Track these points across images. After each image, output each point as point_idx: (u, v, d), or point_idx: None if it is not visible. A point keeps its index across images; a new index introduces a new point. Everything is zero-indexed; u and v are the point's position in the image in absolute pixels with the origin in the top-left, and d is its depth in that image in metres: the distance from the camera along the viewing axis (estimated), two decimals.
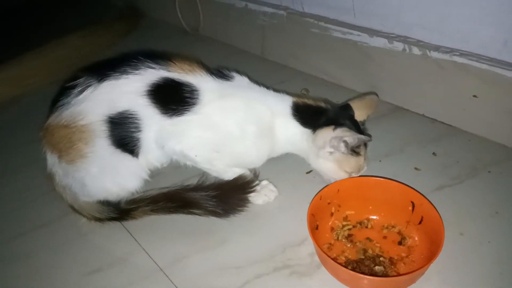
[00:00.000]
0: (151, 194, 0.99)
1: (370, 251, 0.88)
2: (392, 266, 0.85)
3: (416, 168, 1.09)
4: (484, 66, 1.09)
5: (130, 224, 0.99)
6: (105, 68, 0.95)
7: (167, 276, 0.87)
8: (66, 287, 0.88)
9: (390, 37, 1.27)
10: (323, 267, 0.85)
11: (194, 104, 0.96)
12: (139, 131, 0.95)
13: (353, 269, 0.83)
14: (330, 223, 0.94)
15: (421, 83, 1.25)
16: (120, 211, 0.98)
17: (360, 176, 1.00)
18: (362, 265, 0.84)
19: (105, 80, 0.93)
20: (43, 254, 0.95)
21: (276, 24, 1.59)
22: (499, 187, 1.02)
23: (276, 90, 1.07)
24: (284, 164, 1.13)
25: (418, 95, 1.28)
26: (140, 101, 0.93)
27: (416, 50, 1.22)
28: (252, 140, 1.00)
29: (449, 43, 1.17)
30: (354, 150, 0.97)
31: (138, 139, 0.95)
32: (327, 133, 0.96)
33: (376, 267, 0.84)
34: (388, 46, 1.27)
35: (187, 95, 0.95)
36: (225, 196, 0.99)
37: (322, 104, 1.04)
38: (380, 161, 1.13)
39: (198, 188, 1.01)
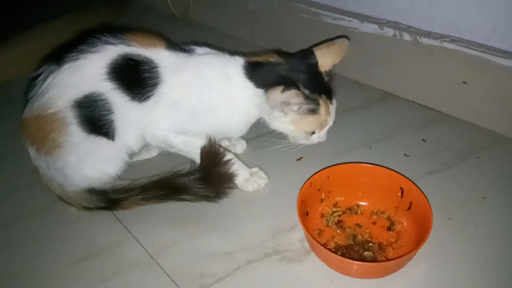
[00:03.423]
0: (142, 183, 0.98)
1: (359, 237, 0.88)
2: (381, 251, 0.86)
3: (405, 154, 1.10)
4: (473, 52, 1.10)
5: (119, 211, 0.99)
6: (63, 51, 0.91)
7: (158, 263, 0.87)
8: (55, 275, 0.87)
9: (380, 22, 1.26)
10: (313, 253, 0.86)
11: (156, 84, 0.93)
12: (111, 113, 0.92)
13: (343, 255, 0.84)
14: (320, 209, 0.94)
15: (411, 69, 1.26)
16: (109, 200, 0.97)
17: (349, 162, 1.00)
18: (351, 250, 0.85)
19: (64, 64, 0.89)
20: (31, 242, 0.95)
21: (267, 9, 1.57)
22: (487, 172, 1.03)
23: (231, 52, 1.01)
24: (274, 151, 1.13)
25: (408, 81, 1.28)
26: (106, 84, 0.90)
27: (406, 36, 1.21)
28: (219, 110, 0.97)
29: (439, 29, 1.17)
30: (310, 110, 0.92)
31: (111, 121, 0.92)
32: (276, 95, 0.88)
33: (365, 253, 0.85)
34: (378, 31, 1.27)
35: (147, 74, 0.92)
36: (208, 177, 0.97)
37: (273, 59, 0.95)
38: (370, 147, 1.13)
39: (187, 173, 1.00)
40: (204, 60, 0.98)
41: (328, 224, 0.92)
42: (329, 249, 0.84)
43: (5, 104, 1.41)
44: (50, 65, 0.91)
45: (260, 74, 0.94)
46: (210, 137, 0.96)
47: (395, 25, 1.24)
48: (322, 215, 0.94)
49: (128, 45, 0.92)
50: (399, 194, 0.91)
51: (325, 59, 0.95)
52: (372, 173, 0.94)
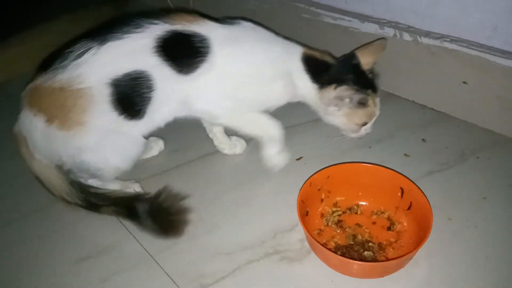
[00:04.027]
0: (115, 195, 0.97)
1: (359, 237, 0.88)
2: (381, 251, 0.86)
3: (405, 154, 1.10)
4: (474, 52, 1.09)
5: None
6: (104, 31, 0.89)
7: (158, 263, 0.87)
8: (56, 275, 0.87)
9: (381, 22, 1.26)
10: (313, 253, 0.86)
11: (207, 53, 0.93)
12: (152, 90, 0.91)
13: (343, 255, 0.84)
14: (320, 209, 0.94)
15: (411, 69, 1.25)
16: (87, 202, 0.96)
17: (350, 162, 1.00)
18: (351, 250, 0.85)
19: (106, 42, 0.88)
20: (31, 242, 0.95)
21: (267, 9, 1.57)
22: (487, 172, 1.03)
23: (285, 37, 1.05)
24: None
25: (409, 81, 1.28)
26: (151, 60, 0.89)
27: (407, 36, 1.21)
28: (270, 83, 1.00)
29: (440, 29, 1.17)
30: (361, 103, 0.99)
31: (149, 99, 0.91)
32: (329, 93, 0.98)
33: (365, 252, 0.85)
34: (379, 31, 1.26)
35: (198, 45, 0.92)
36: (158, 217, 0.93)
37: (328, 58, 1.04)
38: (370, 147, 1.13)
39: (144, 200, 0.96)
40: (267, 37, 1.02)
41: (328, 224, 0.92)
42: (329, 249, 0.84)
43: (4, 103, 1.41)
44: (89, 42, 0.88)
45: (317, 70, 1.01)
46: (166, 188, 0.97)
47: (395, 25, 1.24)
48: (322, 215, 0.94)
49: (173, 24, 0.92)
50: (399, 194, 0.91)
51: (366, 59, 1.03)
52: (372, 173, 0.94)
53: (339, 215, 0.93)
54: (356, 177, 0.95)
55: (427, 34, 1.18)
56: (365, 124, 1.03)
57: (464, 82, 1.15)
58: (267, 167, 1.07)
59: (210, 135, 1.15)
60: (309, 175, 0.93)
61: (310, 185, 0.91)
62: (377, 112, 1.03)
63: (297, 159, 1.11)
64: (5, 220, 1.00)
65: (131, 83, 0.89)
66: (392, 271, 0.81)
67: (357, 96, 0.97)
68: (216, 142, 1.15)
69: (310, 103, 1.06)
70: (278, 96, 1.03)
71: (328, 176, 0.94)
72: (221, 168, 1.12)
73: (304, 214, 0.88)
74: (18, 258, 0.91)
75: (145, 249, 0.90)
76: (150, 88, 0.90)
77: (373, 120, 1.03)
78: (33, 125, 0.91)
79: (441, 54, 1.15)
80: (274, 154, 1.06)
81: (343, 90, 0.97)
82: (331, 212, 0.94)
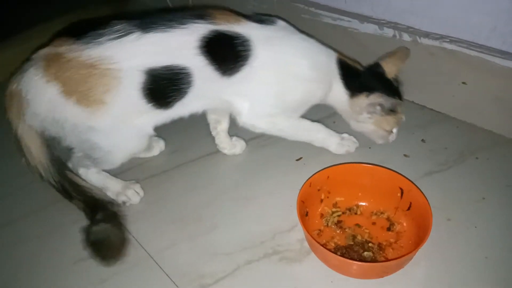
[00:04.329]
0: (87, 192, 0.97)
1: (359, 237, 0.88)
2: (381, 252, 0.86)
3: (405, 155, 1.10)
4: (473, 53, 1.10)
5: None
6: (146, 20, 0.89)
7: (157, 263, 0.87)
8: (55, 275, 0.87)
9: (380, 23, 1.26)
10: (313, 253, 0.86)
11: (249, 56, 0.93)
12: (190, 86, 0.91)
13: (342, 255, 0.84)
14: (319, 210, 0.94)
15: (411, 70, 1.25)
16: (62, 186, 0.95)
17: (349, 163, 1.01)
18: (351, 250, 0.85)
19: (150, 32, 0.87)
20: (31, 242, 0.95)
21: (266, 9, 1.57)
22: (486, 173, 1.03)
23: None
24: (274, 151, 1.14)
25: (408, 82, 1.27)
26: (193, 59, 0.89)
27: (406, 37, 1.21)
28: (313, 85, 1.01)
29: (439, 29, 1.17)
30: (391, 109, 1.01)
31: (185, 93, 0.92)
32: (362, 101, 1.01)
33: (365, 253, 0.85)
34: (378, 32, 1.26)
35: (240, 48, 0.92)
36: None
37: (358, 66, 1.06)
38: (369, 148, 1.13)
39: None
40: (307, 38, 1.03)
41: (327, 224, 0.92)
42: (329, 250, 0.84)
43: (3, 103, 1.40)
44: (131, 27, 0.87)
45: (349, 77, 1.04)
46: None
47: (394, 25, 1.24)
48: (322, 215, 0.94)
49: (216, 24, 0.91)
50: (399, 194, 0.91)
51: (390, 67, 1.05)
52: (371, 174, 0.94)
53: (339, 216, 0.93)
54: (355, 177, 0.95)
55: (427, 34, 1.18)
56: (392, 131, 1.06)
57: (464, 83, 1.15)
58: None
59: (213, 133, 1.14)
60: (309, 176, 0.93)
61: (310, 186, 0.91)
62: (403, 118, 1.06)
63: (297, 160, 1.11)
64: (5, 220, 1.00)
65: (170, 76, 0.89)
66: (391, 271, 0.81)
67: (389, 103, 1.00)
68: (217, 141, 1.15)
69: (337, 108, 1.09)
70: (317, 99, 1.05)
71: (328, 177, 0.94)
72: (221, 168, 1.12)
73: (303, 215, 0.88)
74: (18, 258, 0.92)
75: (145, 249, 0.90)
76: (188, 84, 0.91)
77: (399, 126, 1.06)
78: (42, 91, 0.88)
79: (441, 54, 1.15)
80: (337, 145, 1.10)
81: (376, 97, 1.00)
82: (330, 212, 0.94)
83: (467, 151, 1.10)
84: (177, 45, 0.89)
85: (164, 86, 0.90)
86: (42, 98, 0.88)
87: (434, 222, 0.81)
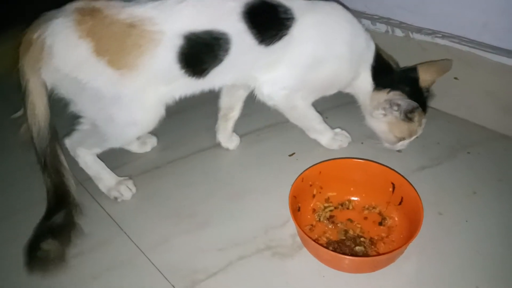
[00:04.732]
0: (63, 182, 0.91)
1: (351, 232, 0.89)
2: (373, 246, 0.86)
3: (397, 150, 1.10)
4: (465, 48, 1.10)
5: (111, 207, 0.99)
6: None
7: (149, 260, 0.87)
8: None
9: (373, 18, 1.27)
10: (305, 248, 0.86)
11: (290, 26, 0.91)
12: (226, 54, 0.88)
13: (334, 250, 0.84)
14: (312, 205, 0.95)
15: (403, 65, 1.25)
16: (43, 155, 0.89)
17: (341, 158, 1.01)
18: (343, 245, 0.86)
19: None
20: (23, 238, 0.93)
21: None
22: (478, 167, 1.04)
23: None
24: (267, 147, 1.14)
25: None
26: (235, 25, 0.86)
27: (398, 32, 1.22)
28: (343, 69, 0.99)
29: (431, 25, 1.17)
30: (407, 116, 0.99)
31: (220, 61, 0.89)
32: (382, 96, 1.00)
33: (357, 247, 0.85)
34: (371, 27, 1.27)
35: (283, 16, 0.90)
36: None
37: (391, 62, 1.04)
38: (362, 143, 1.13)
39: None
40: (352, 19, 1.01)
41: (320, 219, 0.92)
42: (321, 244, 0.84)
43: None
44: None
45: (380, 71, 1.02)
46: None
47: (387, 21, 1.24)
48: (314, 211, 0.94)
49: None
50: (391, 189, 0.92)
51: (426, 76, 1.01)
52: (364, 169, 0.94)
53: (331, 211, 0.93)
54: (347, 172, 0.95)
55: (419, 30, 1.18)
56: (403, 139, 1.03)
57: (455, 78, 1.15)
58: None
59: (220, 121, 1.13)
60: (302, 171, 0.93)
61: (302, 181, 0.91)
62: (419, 132, 1.03)
63: (290, 155, 1.11)
64: None
65: (209, 42, 0.86)
66: (383, 265, 0.81)
67: (406, 106, 0.97)
68: (220, 129, 1.13)
69: (358, 98, 1.08)
70: (340, 84, 1.04)
71: (320, 172, 0.94)
72: (214, 164, 1.12)
73: (296, 210, 0.88)
74: (10, 254, 0.90)
75: (137, 246, 0.90)
76: (225, 51, 0.87)
77: (412, 139, 1.04)
78: (71, 46, 0.82)
79: (433, 49, 1.16)
80: (329, 140, 1.10)
81: (396, 95, 0.98)
82: (323, 207, 0.94)
83: (459, 146, 1.10)
84: (220, 10, 0.86)
85: (201, 51, 0.87)
86: (70, 54, 0.83)
87: (425, 217, 0.81)
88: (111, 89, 0.86)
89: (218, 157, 1.13)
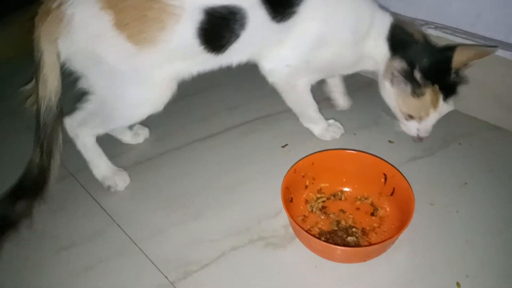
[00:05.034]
0: (49, 164, 0.89)
1: (343, 222, 0.89)
2: (364, 237, 0.87)
3: (389, 141, 1.11)
4: (458, 39, 1.10)
5: (103, 199, 0.99)
6: None
7: (142, 251, 0.87)
8: (40, 263, 0.87)
9: None
10: (297, 239, 0.87)
11: (298, 4, 0.90)
12: (243, 29, 0.88)
13: (326, 240, 0.85)
14: (304, 196, 0.95)
15: None
16: (43, 133, 0.87)
17: (334, 149, 1.01)
18: (335, 236, 0.86)
19: None
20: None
21: None
22: (469, 158, 1.04)
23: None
24: (260, 138, 1.14)
25: None
26: (251, 0, 0.87)
27: None
28: (344, 46, 0.98)
29: (424, 15, 1.17)
30: (414, 91, 0.94)
31: (237, 37, 0.89)
32: (388, 63, 0.97)
33: (349, 238, 0.86)
34: None
35: None
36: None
37: (416, 34, 0.96)
38: (354, 134, 1.13)
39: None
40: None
41: (312, 210, 0.92)
42: (313, 235, 0.84)
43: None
44: None
45: (398, 40, 0.96)
46: None
47: None
48: (307, 201, 0.94)
49: None
50: (383, 180, 0.92)
51: (462, 57, 0.91)
52: (356, 160, 0.95)
53: (323, 201, 0.94)
54: (340, 163, 0.95)
55: (412, 20, 1.17)
56: (411, 117, 0.98)
57: None
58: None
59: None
60: (294, 162, 0.93)
61: (295, 172, 0.91)
62: (434, 116, 0.97)
63: (283, 146, 1.11)
64: None
65: (227, 16, 0.86)
66: (374, 255, 0.82)
67: (400, 75, 0.93)
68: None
69: (377, 71, 1.03)
70: (346, 66, 1.03)
71: (313, 163, 0.94)
72: (207, 155, 1.11)
73: (288, 201, 0.88)
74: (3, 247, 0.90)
75: (129, 237, 0.90)
76: (242, 26, 0.88)
77: (428, 123, 0.98)
78: (92, 18, 0.81)
79: None
80: (322, 130, 1.11)
81: (394, 61, 0.94)
82: (315, 198, 0.94)
83: (450, 137, 1.11)
84: None
85: (220, 27, 0.87)
86: (90, 26, 0.81)
87: (417, 207, 0.82)
88: (128, 64, 0.85)
89: (211, 148, 1.13)
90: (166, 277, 0.82)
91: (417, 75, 0.93)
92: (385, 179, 0.92)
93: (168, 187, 1.01)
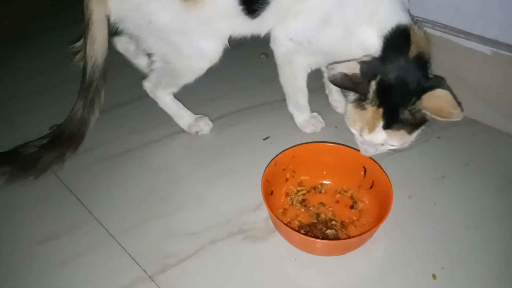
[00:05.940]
0: (85, 124, 0.98)
1: (322, 215, 0.90)
2: (344, 229, 0.87)
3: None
4: (437, 33, 1.11)
5: (80, 192, 0.97)
6: None
7: (120, 244, 0.86)
8: (16, 256, 0.85)
9: None
10: (277, 232, 0.87)
11: None
12: None
13: (306, 233, 0.85)
14: (284, 189, 0.95)
15: None
16: (88, 91, 0.96)
17: (314, 142, 1.01)
18: (314, 229, 0.87)
19: None
20: None
21: None
22: (447, 152, 1.06)
23: None
24: (242, 130, 1.13)
25: None
26: None
27: None
28: (344, 29, 0.90)
29: None
30: (359, 100, 0.83)
31: (268, 4, 0.90)
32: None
33: (328, 231, 0.86)
34: None
35: None
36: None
37: (414, 49, 0.86)
38: (336, 127, 1.14)
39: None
40: None
41: (292, 203, 0.93)
42: (293, 228, 0.84)
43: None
44: None
45: (391, 45, 0.85)
46: None
47: None
48: (287, 194, 0.94)
49: None
50: (362, 173, 0.93)
51: (427, 102, 0.80)
52: (336, 153, 0.95)
53: (304, 194, 0.94)
54: (320, 156, 0.95)
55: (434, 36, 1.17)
56: (356, 131, 0.88)
57: None
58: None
59: (327, 91, 1.19)
60: (275, 155, 0.93)
61: (275, 165, 0.91)
62: (366, 136, 0.85)
63: (264, 139, 1.10)
64: None
65: None
66: (353, 248, 0.83)
67: (331, 73, 0.80)
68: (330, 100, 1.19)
69: None
70: (343, 53, 0.90)
71: (293, 156, 0.94)
72: (187, 148, 1.11)
73: (268, 194, 0.88)
74: None
75: (107, 230, 0.88)
76: None
77: (365, 137, 0.85)
78: None
79: None
80: (304, 121, 1.11)
81: (345, 67, 0.81)
82: (295, 191, 0.94)
83: (429, 130, 1.11)
84: None
85: None
86: None
87: (395, 200, 0.83)
88: (179, 21, 0.89)
89: (192, 140, 1.12)
90: (145, 270, 0.81)
91: (372, 86, 0.81)
92: (365, 172, 0.92)
93: (147, 180, 1.00)
